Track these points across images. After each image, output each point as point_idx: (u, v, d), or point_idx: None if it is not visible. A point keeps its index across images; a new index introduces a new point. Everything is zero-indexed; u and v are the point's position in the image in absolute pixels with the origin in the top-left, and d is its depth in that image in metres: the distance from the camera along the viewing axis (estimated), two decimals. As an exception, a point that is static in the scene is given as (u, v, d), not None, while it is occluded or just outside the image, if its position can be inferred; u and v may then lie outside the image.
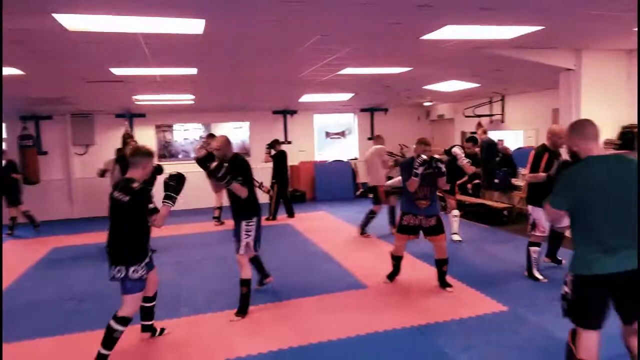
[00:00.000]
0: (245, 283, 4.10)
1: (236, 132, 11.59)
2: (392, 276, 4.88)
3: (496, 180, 8.42)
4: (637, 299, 2.36)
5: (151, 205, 3.24)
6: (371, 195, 7.23)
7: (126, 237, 3.23)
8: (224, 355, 3.38)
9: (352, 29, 4.22)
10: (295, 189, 11.36)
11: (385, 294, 4.54)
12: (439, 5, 3.53)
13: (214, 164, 4.02)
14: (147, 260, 3.33)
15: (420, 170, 4.35)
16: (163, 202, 3.32)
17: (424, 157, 4.39)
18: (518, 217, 7.96)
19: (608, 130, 6.20)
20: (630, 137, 6.04)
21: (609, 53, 6.08)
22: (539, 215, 4.66)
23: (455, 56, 5.71)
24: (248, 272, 4.13)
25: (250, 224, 4.12)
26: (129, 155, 3.43)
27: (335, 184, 11.31)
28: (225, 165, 3.96)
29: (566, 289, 2.52)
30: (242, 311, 4.08)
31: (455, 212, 6.66)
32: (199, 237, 7.70)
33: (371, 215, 7.05)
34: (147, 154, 3.38)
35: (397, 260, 4.83)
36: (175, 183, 3.38)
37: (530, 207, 4.81)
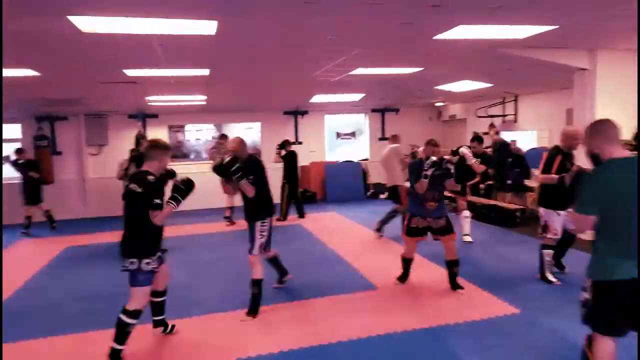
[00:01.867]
0: (256, 283, 4.11)
1: (247, 133, 11.65)
2: (403, 278, 4.84)
3: (508, 182, 8.33)
4: None
5: (157, 201, 3.24)
6: (383, 196, 7.22)
7: (140, 229, 3.26)
8: (235, 355, 3.39)
9: (363, 29, 4.22)
10: (305, 189, 11.36)
11: (396, 295, 4.52)
12: (451, 4, 3.51)
13: (228, 158, 4.06)
14: (159, 253, 3.40)
15: (429, 172, 4.32)
16: (168, 201, 3.35)
17: (434, 158, 4.37)
18: (530, 218, 7.87)
19: (623, 131, 6.10)
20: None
21: (624, 53, 5.99)
22: (551, 218, 4.62)
23: (467, 56, 5.67)
24: (259, 272, 4.13)
25: (265, 224, 4.14)
26: (145, 148, 3.48)
27: (345, 185, 11.29)
28: (238, 161, 4.00)
29: (586, 295, 2.45)
30: (252, 311, 4.09)
31: (467, 213, 6.61)
32: (211, 237, 7.75)
33: (393, 214, 7.03)
34: (164, 147, 3.45)
35: (407, 263, 4.79)
36: (185, 188, 3.43)
37: (541, 210, 4.73)
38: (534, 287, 4.62)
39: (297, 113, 11.61)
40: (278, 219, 8.45)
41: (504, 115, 10.13)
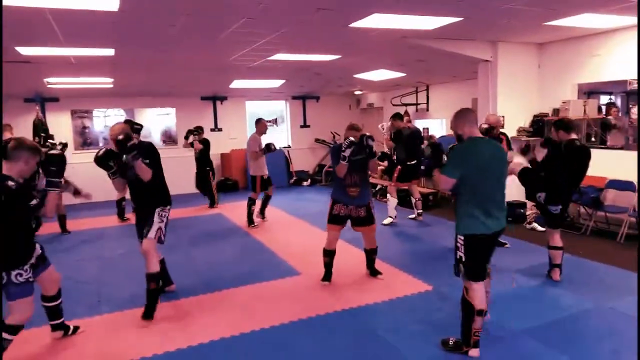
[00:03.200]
0: (153, 278, 3.69)
1: (161, 119, 11.09)
2: (326, 277, 4.49)
3: (422, 167, 8.77)
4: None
5: (34, 202, 2.88)
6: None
7: (4, 240, 2.80)
8: (152, 350, 3.24)
9: (278, 13, 4.14)
10: (226, 177, 11.11)
11: (319, 280, 4.55)
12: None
13: (121, 136, 3.52)
14: (32, 261, 2.99)
15: (347, 152, 4.05)
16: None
17: (352, 138, 4.07)
18: (442, 201, 8.40)
19: (521, 118, 6.69)
20: (541, 125, 6.56)
21: (522, 46, 6.52)
22: None
23: (382, 45, 5.83)
24: (156, 264, 3.72)
25: (164, 211, 3.79)
26: (9, 147, 2.88)
27: (268, 173, 11.16)
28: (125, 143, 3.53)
29: (460, 253, 2.96)
30: (148, 314, 3.67)
31: (389, 196, 7.02)
32: (120, 229, 7.30)
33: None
34: (31, 148, 2.94)
35: (330, 256, 4.48)
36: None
37: None
38: (444, 265, 4.91)
39: (215, 99, 11.26)
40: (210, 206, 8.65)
41: (417, 104, 10.62)
